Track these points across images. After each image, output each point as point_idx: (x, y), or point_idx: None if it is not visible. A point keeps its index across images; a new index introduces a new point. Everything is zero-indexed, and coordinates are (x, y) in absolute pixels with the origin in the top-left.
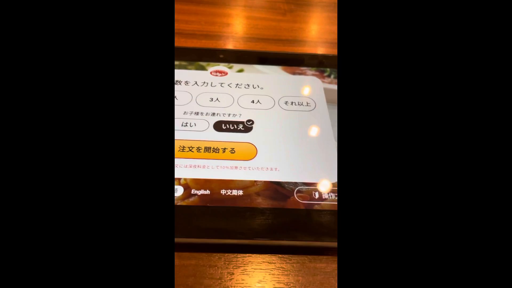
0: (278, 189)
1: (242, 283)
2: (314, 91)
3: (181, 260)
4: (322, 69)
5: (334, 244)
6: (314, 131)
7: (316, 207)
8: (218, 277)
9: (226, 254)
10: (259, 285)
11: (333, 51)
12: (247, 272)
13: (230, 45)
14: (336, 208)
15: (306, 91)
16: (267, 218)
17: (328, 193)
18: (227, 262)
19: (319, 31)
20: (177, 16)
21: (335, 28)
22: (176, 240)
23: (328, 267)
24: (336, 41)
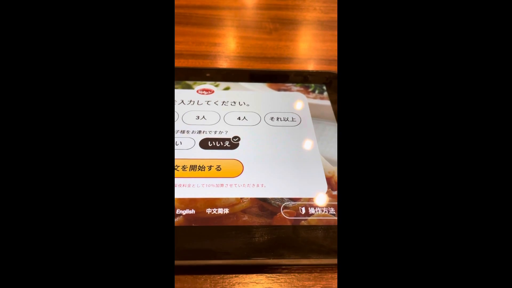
0: (264, 206)
1: None
2: (299, 106)
3: None
4: (306, 84)
5: (322, 261)
6: (299, 145)
7: (303, 222)
8: None
9: (212, 276)
10: None
11: (318, 67)
12: None
13: (216, 64)
14: (323, 223)
15: (291, 106)
16: (253, 237)
17: (315, 208)
18: (213, 284)
19: (303, 49)
20: None
21: (319, 45)
22: None
23: (317, 284)
24: (320, 57)
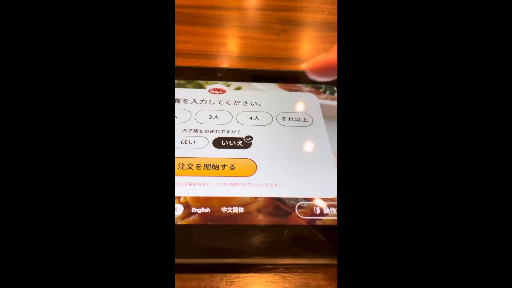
0: (279, 205)
1: None
2: (311, 107)
3: (182, 282)
4: (317, 85)
5: (337, 261)
6: (312, 146)
7: (318, 222)
8: None
9: (228, 275)
10: None
11: None
12: None
13: (227, 64)
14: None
15: (303, 107)
16: (269, 236)
17: (329, 208)
18: (229, 283)
19: (312, 49)
20: (175, 37)
21: (328, 46)
22: (177, 261)
23: (332, 284)
24: None
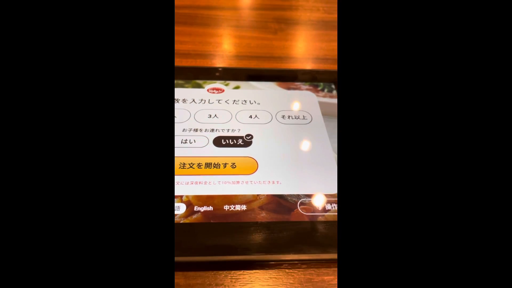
0: (281, 202)
1: None
2: (310, 104)
3: (186, 280)
4: (315, 83)
5: None
6: (312, 143)
7: (320, 218)
8: None
9: (233, 272)
10: None
11: (325, 66)
12: None
13: (224, 64)
14: None
15: (302, 105)
16: (272, 232)
17: (331, 204)
18: (233, 280)
19: (309, 48)
20: None
21: (324, 44)
22: (181, 259)
23: (336, 279)
24: (326, 57)
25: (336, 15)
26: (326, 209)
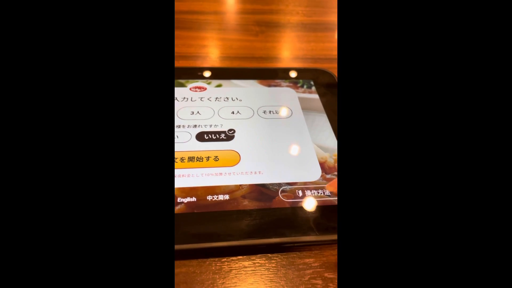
0: (263, 191)
1: (235, 286)
2: (290, 100)
3: None
4: (295, 80)
5: (321, 237)
6: (293, 135)
7: (301, 204)
8: (210, 282)
9: (217, 259)
10: (252, 286)
11: (304, 64)
12: (239, 275)
13: (207, 64)
14: (319, 204)
15: (283, 100)
16: (255, 219)
17: (311, 191)
18: (217, 267)
19: (289, 48)
20: None
21: (304, 45)
22: None
23: (317, 261)
24: (305, 56)
25: (315, 18)
26: (306, 195)
